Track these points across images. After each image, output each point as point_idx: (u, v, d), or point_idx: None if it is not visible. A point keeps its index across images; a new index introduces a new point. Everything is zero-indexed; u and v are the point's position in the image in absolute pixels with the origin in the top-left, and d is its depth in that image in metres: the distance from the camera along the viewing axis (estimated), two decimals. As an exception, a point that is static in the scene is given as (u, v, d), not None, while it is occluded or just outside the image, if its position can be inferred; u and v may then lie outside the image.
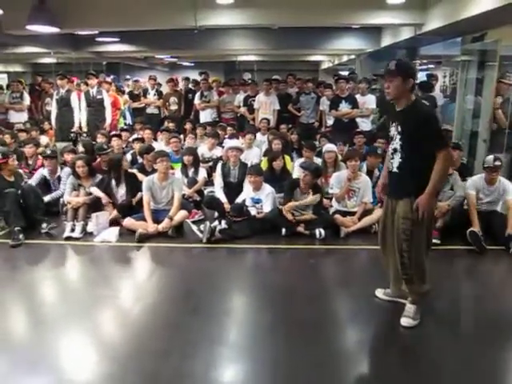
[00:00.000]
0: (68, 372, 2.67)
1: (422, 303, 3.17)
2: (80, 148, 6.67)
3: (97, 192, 5.15)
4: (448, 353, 2.84)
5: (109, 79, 9.12)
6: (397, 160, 3.07)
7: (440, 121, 3.27)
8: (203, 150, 6.82)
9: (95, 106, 7.60)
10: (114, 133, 7.36)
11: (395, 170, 3.11)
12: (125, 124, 8.94)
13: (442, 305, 3.45)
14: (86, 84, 7.70)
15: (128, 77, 10.86)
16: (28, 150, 6.29)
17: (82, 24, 7.25)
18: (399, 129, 3.04)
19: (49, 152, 5.66)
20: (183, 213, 5.01)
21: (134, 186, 5.28)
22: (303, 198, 5.02)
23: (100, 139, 6.84)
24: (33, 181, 5.46)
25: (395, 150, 3.08)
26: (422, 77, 8.75)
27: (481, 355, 2.84)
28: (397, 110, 3.09)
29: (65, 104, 7.49)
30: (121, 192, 5.26)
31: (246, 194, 5.26)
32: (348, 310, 3.49)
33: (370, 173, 5.47)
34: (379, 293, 3.51)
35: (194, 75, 12.26)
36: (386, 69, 3.02)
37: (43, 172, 5.57)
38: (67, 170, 5.49)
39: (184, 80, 10.28)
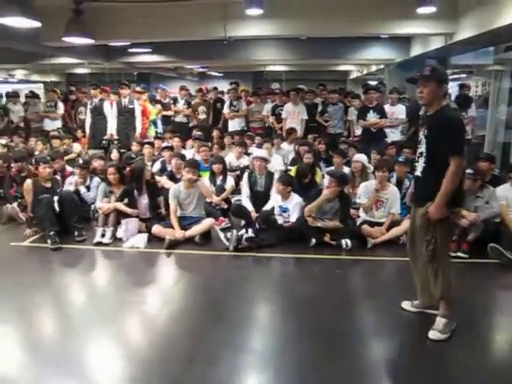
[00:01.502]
0: (94, 376, 2.73)
1: (452, 318, 3.10)
2: (113, 155, 6.82)
3: (121, 207, 5.14)
4: (475, 372, 2.77)
5: (139, 88, 9.32)
6: (421, 164, 3.10)
7: (464, 128, 3.26)
8: (231, 158, 6.88)
9: (126, 115, 7.78)
10: (146, 141, 7.51)
11: (419, 173, 3.15)
12: (156, 133, 9.11)
13: (472, 320, 3.35)
14: (116, 93, 7.91)
15: (161, 85, 11.06)
16: (56, 165, 5.98)
17: (115, 36, 7.47)
18: (425, 133, 3.07)
19: (81, 161, 5.73)
20: (210, 220, 5.07)
21: (155, 196, 5.36)
22: (329, 207, 4.99)
23: (135, 147, 7.03)
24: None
25: (421, 154, 3.11)
26: (453, 87, 8.62)
27: (510, 376, 2.75)
28: (427, 115, 3.13)
29: (98, 113, 7.72)
30: (143, 202, 5.32)
31: (274, 202, 5.27)
32: (374, 321, 3.44)
33: (399, 183, 5.41)
34: (406, 305, 3.46)
35: (223, 85, 12.41)
36: (421, 74, 3.04)
37: (71, 181, 5.62)
38: (97, 179, 5.63)
39: (213, 89, 10.43)
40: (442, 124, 2.96)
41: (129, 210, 5.12)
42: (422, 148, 3.08)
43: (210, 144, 7.45)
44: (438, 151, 2.96)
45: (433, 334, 3.06)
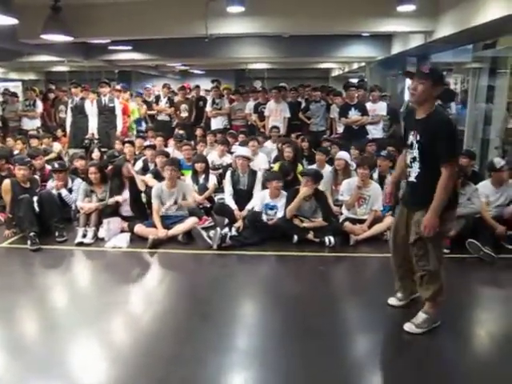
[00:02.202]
0: (79, 377, 2.69)
1: (435, 317, 3.14)
2: (95, 154, 6.73)
3: (119, 198, 5.17)
4: (460, 367, 2.81)
5: (118, 87, 9.24)
6: (415, 170, 3.02)
7: (456, 131, 3.16)
8: (213, 157, 6.86)
9: (106, 114, 7.70)
10: (127, 139, 7.44)
11: (413, 179, 3.06)
12: (138, 131, 9.03)
13: (454, 314, 3.40)
14: (95, 92, 7.81)
15: (147, 85, 10.95)
16: (37, 162, 5.92)
17: (95, 33, 7.35)
18: (417, 137, 2.96)
19: (57, 166, 5.48)
20: (193, 219, 5.04)
21: (137, 193, 5.30)
22: (306, 206, 5.01)
23: (118, 145, 6.95)
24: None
25: (414, 159, 3.01)
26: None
27: (492, 370, 2.79)
28: (416, 118, 3.01)
29: (79, 112, 7.62)
30: (125, 196, 5.25)
31: (261, 199, 5.26)
32: (358, 318, 3.47)
33: (381, 178, 5.46)
34: (392, 301, 3.48)
35: (206, 83, 12.36)
36: (418, 70, 2.97)
37: (52, 185, 5.47)
38: (78, 181, 5.55)
39: (195, 88, 10.38)
40: (435, 129, 2.86)
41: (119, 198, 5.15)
42: (415, 153, 2.99)
43: (192, 142, 7.42)
44: (433, 156, 2.87)
45: (408, 326, 3.10)
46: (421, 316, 3.13)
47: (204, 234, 4.92)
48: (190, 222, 4.99)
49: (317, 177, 5.04)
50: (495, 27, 5.38)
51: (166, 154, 6.16)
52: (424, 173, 2.97)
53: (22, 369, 2.77)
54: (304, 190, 4.90)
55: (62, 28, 6.39)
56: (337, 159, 5.69)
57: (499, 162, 4.86)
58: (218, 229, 4.74)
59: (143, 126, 9.40)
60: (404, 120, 3.55)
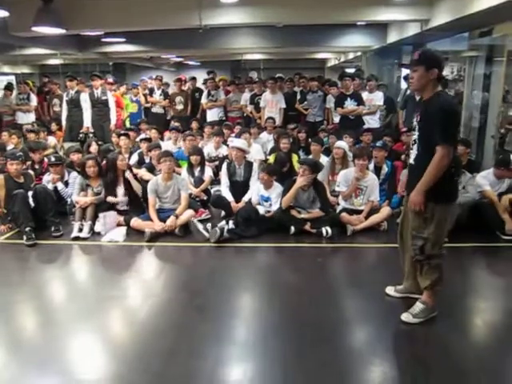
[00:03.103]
0: (76, 372, 2.69)
1: (432, 307, 3.14)
2: (93, 147, 6.68)
3: (115, 200, 5.18)
4: (459, 356, 2.81)
5: (110, 80, 9.16)
6: (414, 152, 3.04)
7: (458, 117, 3.10)
8: (209, 148, 6.83)
9: (100, 107, 7.65)
10: (122, 132, 7.39)
11: (412, 161, 3.09)
12: (131, 124, 8.97)
13: (451, 305, 3.40)
14: (87, 86, 7.76)
15: (143, 77, 10.85)
16: (35, 156, 5.94)
17: (88, 25, 7.27)
18: (418, 119, 2.99)
19: (53, 159, 5.47)
20: (190, 212, 5.02)
21: (130, 186, 5.28)
22: (304, 196, 4.99)
23: (114, 138, 6.92)
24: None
25: (415, 142, 3.04)
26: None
27: (493, 358, 2.80)
28: (422, 101, 3.05)
29: (75, 105, 7.56)
30: (119, 193, 5.26)
31: (256, 191, 5.25)
32: (356, 308, 3.47)
33: (377, 169, 5.45)
34: (390, 290, 3.49)
35: (201, 74, 12.25)
36: (411, 59, 2.95)
37: (48, 179, 5.45)
38: (74, 174, 5.51)
39: (191, 79, 10.31)
40: (433, 111, 2.85)
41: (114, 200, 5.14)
42: (415, 135, 3.02)
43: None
44: (430, 139, 2.86)
45: (405, 317, 3.11)
46: (418, 306, 3.14)
47: (201, 226, 4.90)
48: (187, 214, 4.98)
49: (315, 167, 5.01)
50: (491, 14, 5.34)
51: (160, 147, 6.12)
52: (422, 155, 2.96)
53: (19, 364, 2.76)
54: (300, 180, 4.88)
55: (54, 20, 6.33)
56: (335, 148, 5.66)
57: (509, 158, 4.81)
58: (217, 228, 4.65)
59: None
60: (394, 111, 3.54)
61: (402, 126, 7.35)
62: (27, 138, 7.40)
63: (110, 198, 5.15)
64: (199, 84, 10.26)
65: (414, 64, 2.92)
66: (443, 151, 2.80)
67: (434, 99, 2.90)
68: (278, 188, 5.14)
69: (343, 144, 5.77)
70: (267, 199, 5.15)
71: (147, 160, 6.32)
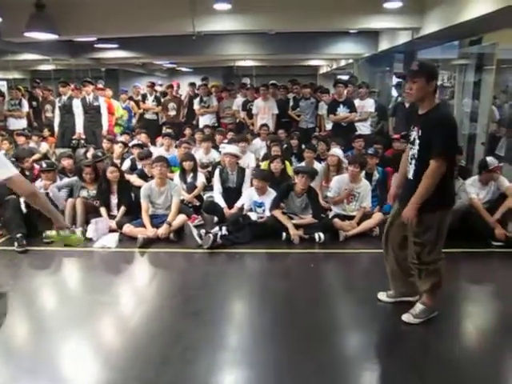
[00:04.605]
0: (68, 379, 2.66)
1: (432, 308, 3.17)
2: (90, 153, 6.64)
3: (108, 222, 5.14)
4: (452, 360, 2.82)
5: (100, 85, 9.14)
6: (413, 167, 2.98)
7: (455, 129, 3.06)
8: (200, 155, 6.83)
9: (91, 113, 7.62)
10: (120, 139, 7.36)
11: (411, 177, 3.01)
12: (124, 128, 8.95)
13: (447, 309, 3.42)
14: (79, 89, 7.73)
15: (136, 84, 10.82)
16: (25, 164, 5.87)
17: (80, 30, 7.25)
18: (419, 133, 2.92)
19: (45, 165, 5.43)
20: (182, 217, 5.01)
21: (126, 195, 5.27)
22: (298, 202, 5.02)
23: (105, 144, 6.88)
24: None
25: (413, 156, 2.98)
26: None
27: (486, 364, 2.81)
28: (419, 114, 2.98)
29: (67, 111, 7.53)
30: (113, 201, 5.25)
31: (249, 197, 5.25)
32: (349, 314, 3.48)
33: (369, 175, 5.49)
34: (382, 296, 3.50)
35: (194, 81, 12.25)
36: (409, 69, 2.90)
37: (40, 185, 5.36)
38: (65, 180, 5.49)
39: (189, 85, 10.26)
40: (433, 124, 2.81)
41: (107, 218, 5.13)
42: (414, 150, 2.95)
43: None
44: (429, 153, 2.81)
45: (406, 317, 3.14)
46: (418, 306, 3.17)
47: (195, 232, 4.89)
48: (179, 220, 4.96)
49: (312, 173, 5.10)
50: (481, 24, 5.42)
51: (150, 156, 6.08)
52: (421, 171, 2.88)
53: (11, 372, 2.72)
54: (310, 220, 4.95)
55: (46, 26, 6.30)
56: (330, 155, 5.72)
57: (493, 162, 4.81)
58: (211, 235, 4.63)
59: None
60: (385, 118, 3.52)
61: (392, 132, 7.41)
62: (17, 142, 7.33)
63: (103, 212, 5.15)
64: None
65: (414, 75, 2.86)
66: (437, 164, 2.79)
67: (433, 113, 2.88)
68: (271, 194, 5.15)
69: (338, 151, 5.81)
70: (260, 205, 5.16)
71: (139, 166, 6.29)
